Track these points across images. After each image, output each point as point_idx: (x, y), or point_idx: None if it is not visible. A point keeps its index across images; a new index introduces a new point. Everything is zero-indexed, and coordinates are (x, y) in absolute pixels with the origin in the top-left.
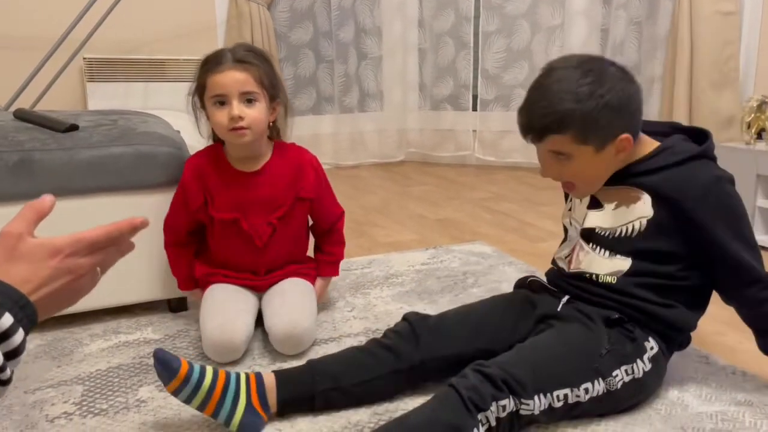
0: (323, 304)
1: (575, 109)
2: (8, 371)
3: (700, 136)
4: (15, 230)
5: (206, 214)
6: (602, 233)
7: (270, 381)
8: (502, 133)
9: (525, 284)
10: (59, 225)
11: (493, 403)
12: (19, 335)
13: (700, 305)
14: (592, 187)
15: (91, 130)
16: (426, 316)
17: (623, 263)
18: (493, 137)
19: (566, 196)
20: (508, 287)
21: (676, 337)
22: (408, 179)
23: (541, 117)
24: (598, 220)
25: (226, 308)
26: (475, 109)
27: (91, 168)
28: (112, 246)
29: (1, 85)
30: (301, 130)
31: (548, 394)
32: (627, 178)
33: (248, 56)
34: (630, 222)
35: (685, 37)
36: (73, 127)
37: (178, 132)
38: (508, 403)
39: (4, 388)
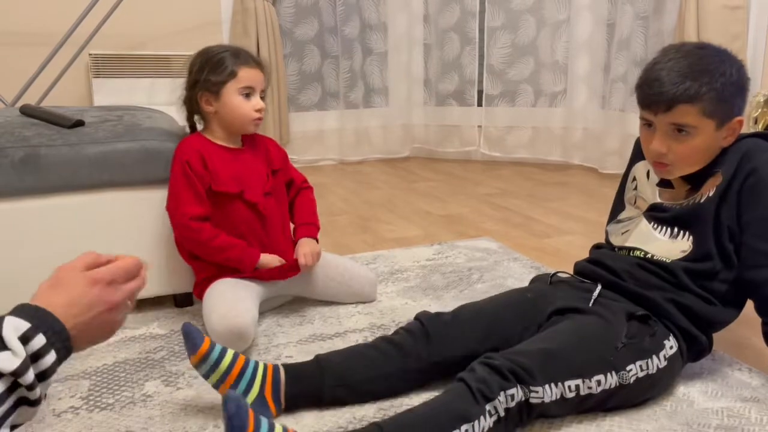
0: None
1: (709, 81)
2: (38, 391)
3: None
4: (67, 264)
5: (210, 193)
6: (672, 205)
7: (283, 376)
8: (507, 128)
9: (547, 279)
10: (64, 220)
11: (501, 393)
12: (51, 357)
13: (734, 303)
14: (688, 170)
15: (96, 125)
16: (437, 315)
17: (682, 246)
18: (499, 133)
19: (625, 176)
20: (513, 282)
21: (699, 338)
22: (413, 175)
23: (675, 86)
24: (668, 195)
25: (227, 297)
26: (480, 104)
27: (96, 163)
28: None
29: (8, 81)
30: (306, 126)
31: (559, 384)
32: (707, 173)
33: (262, 61)
34: (702, 193)
35: (691, 32)
36: (79, 123)
37: (183, 128)
38: (516, 393)
39: (34, 409)
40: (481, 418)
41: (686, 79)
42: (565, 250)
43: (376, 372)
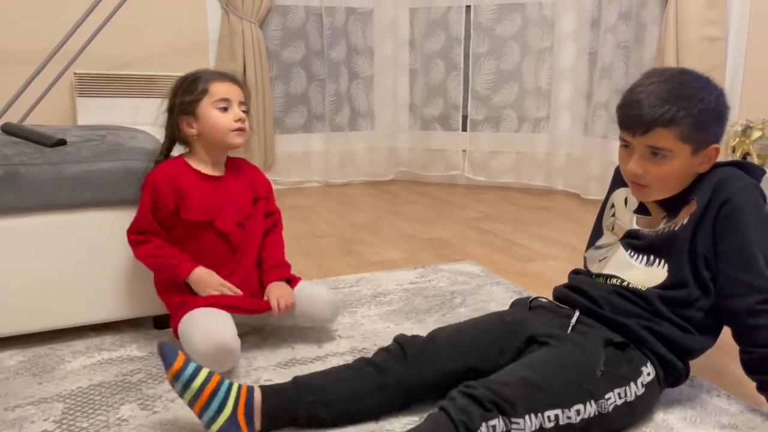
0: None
1: (687, 107)
2: None
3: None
4: None
5: (177, 218)
6: (648, 232)
7: (257, 396)
8: (491, 153)
9: (526, 304)
10: (45, 239)
11: (483, 424)
12: None
13: (711, 331)
14: (664, 194)
15: (79, 145)
16: (415, 336)
17: (658, 274)
18: (483, 157)
19: (605, 203)
20: (495, 307)
21: (676, 365)
22: (397, 198)
23: (653, 109)
24: (645, 222)
25: (205, 320)
26: (464, 129)
27: (78, 183)
28: None
29: None
30: (291, 148)
31: (539, 414)
32: (682, 197)
33: (237, 77)
34: (676, 221)
35: (671, 62)
36: (61, 142)
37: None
38: (498, 424)
39: None
40: None
41: (665, 103)
42: (548, 275)
43: (353, 390)
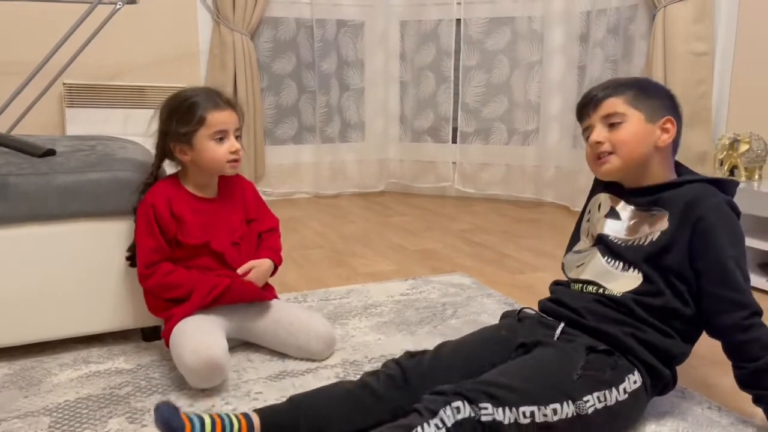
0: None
1: (631, 83)
2: None
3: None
4: None
5: (176, 242)
6: (616, 241)
7: (256, 423)
8: (481, 165)
9: (515, 316)
10: (34, 250)
11: (447, 406)
12: None
13: (691, 338)
14: (629, 162)
15: (68, 155)
16: (419, 360)
17: (633, 279)
18: (473, 169)
19: (584, 208)
20: (487, 318)
21: (662, 372)
22: (388, 209)
23: (602, 87)
24: (615, 227)
25: (194, 333)
26: (455, 141)
27: (67, 193)
28: None
29: None
30: (281, 159)
31: (513, 409)
32: (651, 203)
33: (232, 100)
34: (645, 234)
35: (659, 76)
36: (50, 152)
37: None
38: (462, 406)
39: None
40: (425, 425)
41: (610, 85)
42: (538, 287)
43: (355, 426)
